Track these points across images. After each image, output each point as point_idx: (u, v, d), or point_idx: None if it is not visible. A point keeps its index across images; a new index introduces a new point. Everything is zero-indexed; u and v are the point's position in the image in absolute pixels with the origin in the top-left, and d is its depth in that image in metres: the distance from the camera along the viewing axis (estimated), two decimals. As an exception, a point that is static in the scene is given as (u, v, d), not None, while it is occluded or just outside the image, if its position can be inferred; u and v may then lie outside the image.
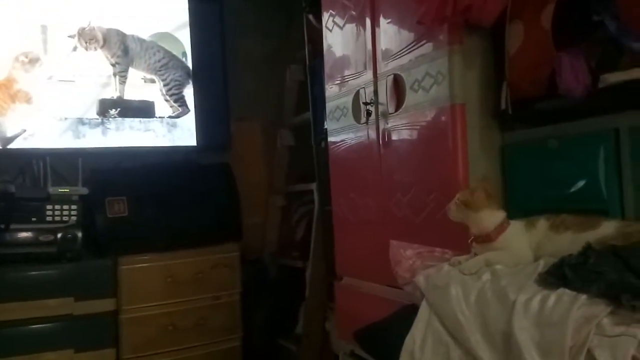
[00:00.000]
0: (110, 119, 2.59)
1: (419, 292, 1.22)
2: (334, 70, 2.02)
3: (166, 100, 2.73)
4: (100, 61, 2.60)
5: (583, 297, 0.91)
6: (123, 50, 2.63)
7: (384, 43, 1.73)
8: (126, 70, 2.64)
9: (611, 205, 1.21)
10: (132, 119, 2.64)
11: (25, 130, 2.42)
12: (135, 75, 2.67)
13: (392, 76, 1.68)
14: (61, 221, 2.23)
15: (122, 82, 2.63)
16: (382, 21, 1.73)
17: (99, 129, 2.57)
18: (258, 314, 2.76)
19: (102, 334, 2.25)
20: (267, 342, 2.79)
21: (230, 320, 2.56)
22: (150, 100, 2.70)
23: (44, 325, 2.15)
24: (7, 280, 2.12)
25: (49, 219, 2.22)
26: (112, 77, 2.61)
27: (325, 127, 2.16)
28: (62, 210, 2.24)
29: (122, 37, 2.63)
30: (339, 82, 1.98)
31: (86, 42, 2.53)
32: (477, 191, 1.22)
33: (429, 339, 1.15)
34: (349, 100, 1.91)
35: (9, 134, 2.40)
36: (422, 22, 1.40)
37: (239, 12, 3.02)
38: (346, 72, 1.94)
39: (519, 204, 1.44)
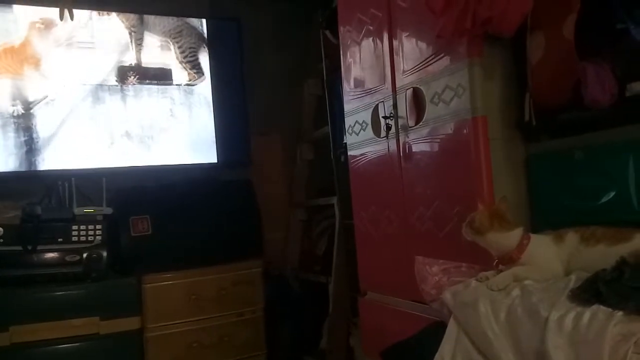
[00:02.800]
0: (129, 86, 2.64)
1: (446, 309, 1.20)
2: (352, 84, 2.02)
3: (182, 68, 2.77)
4: (118, 27, 2.66)
5: (619, 314, 0.89)
6: (138, 16, 2.68)
7: (402, 56, 1.72)
8: (142, 36, 2.68)
9: (643, 217, 1.17)
10: (149, 85, 2.69)
11: (47, 96, 2.49)
12: (151, 42, 2.72)
13: (411, 89, 1.67)
14: (86, 241, 2.27)
15: (139, 48, 2.67)
16: (400, 35, 1.72)
17: (118, 95, 2.63)
18: (282, 329, 2.75)
19: (128, 352, 2.27)
20: (291, 358, 2.78)
21: (254, 337, 2.55)
22: (168, 67, 2.75)
23: (70, 345, 2.17)
24: (34, 300, 2.15)
25: (74, 239, 2.26)
26: (130, 43, 2.66)
27: (345, 141, 2.16)
28: (87, 230, 2.27)
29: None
30: (357, 96, 1.98)
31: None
32: (479, 215, 1.20)
33: (458, 357, 1.13)
34: (368, 114, 1.90)
35: (31, 99, 2.47)
36: (441, 35, 1.39)
37: (256, 29, 3.06)
38: (364, 87, 1.93)
39: (545, 217, 1.41)
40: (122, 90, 2.64)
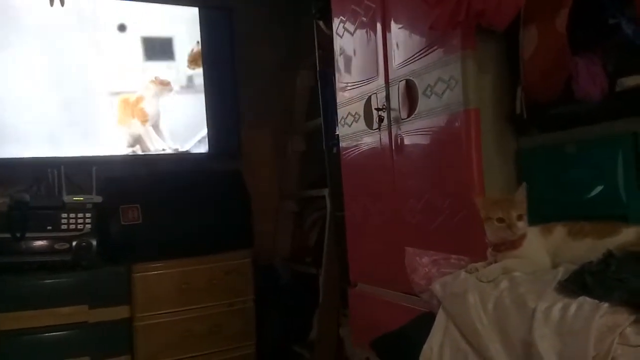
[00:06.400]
0: None
1: (435, 300, 1.21)
2: (345, 76, 2.02)
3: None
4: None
5: (605, 305, 0.90)
6: None
7: (395, 48, 1.72)
8: None
9: (631, 211, 1.19)
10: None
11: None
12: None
13: (404, 82, 1.67)
14: (76, 229, 2.25)
15: None
16: (393, 26, 1.72)
17: None
18: (272, 320, 2.76)
19: (118, 341, 2.27)
20: (280, 348, 2.79)
21: (245, 327, 2.56)
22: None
23: (59, 333, 2.17)
24: (23, 288, 2.14)
25: (64, 227, 2.24)
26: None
27: (337, 132, 2.16)
28: (76, 218, 2.26)
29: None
30: (350, 88, 1.98)
31: (189, 62, 2.80)
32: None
33: (446, 347, 1.13)
34: (360, 106, 1.90)
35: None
36: (435, 27, 1.39)
37: (248, 19, 3.04)
38: (357, 78, 1.93)
39: (534, 210, 1.42)
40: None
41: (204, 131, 2.82)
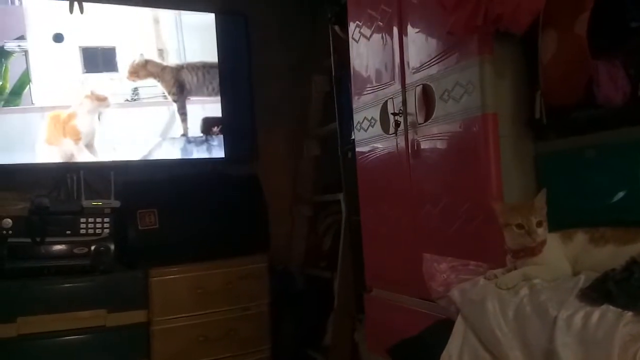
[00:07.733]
0: (214, 136, 2.78)
1: (453, 307, 1.20)
2: (361, 80, 2.02)
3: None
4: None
5: (629, 314, 0.88)
6: (178, 87, 2.72)
7: (411, 53, 1.72)
8: (184, 107, 2.75)
9: (654, 217, 1.17)
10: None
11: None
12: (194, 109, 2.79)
13: (420, 86, 1.66)
14: (94, 234, 2.28)
15: (184, 119, 2.74)
16: (410, 31, 1.72)
17: (204, 146, 2.78)
18: (286, 324, 2.76)
19: (135, 345, 2.29)
20: (295, 352, 2.79)
21: (260, 331, 2.57)
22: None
23: (77, 336, 2.19)
24: (41, 292, 2.17)
25: (82, 231, 2.27)
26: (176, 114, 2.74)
27: (352, 137, 2.16)
28: (95, 223, 2.29)
29: (176, 73, 2.72)
30: (366, 92, 1.98)
31: (129, 73, 2.62)
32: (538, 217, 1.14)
33: (465, 354, 1.13)
34: (376, 110, 1.90)
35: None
36: (453, 32, 1.39)
37: (263, 24, 3.06)
38: (374, 83, 1.93)
39: (553, 216, 1.40)
40: (207, 141, 2.79)
41: (148, 148, 2.64)
